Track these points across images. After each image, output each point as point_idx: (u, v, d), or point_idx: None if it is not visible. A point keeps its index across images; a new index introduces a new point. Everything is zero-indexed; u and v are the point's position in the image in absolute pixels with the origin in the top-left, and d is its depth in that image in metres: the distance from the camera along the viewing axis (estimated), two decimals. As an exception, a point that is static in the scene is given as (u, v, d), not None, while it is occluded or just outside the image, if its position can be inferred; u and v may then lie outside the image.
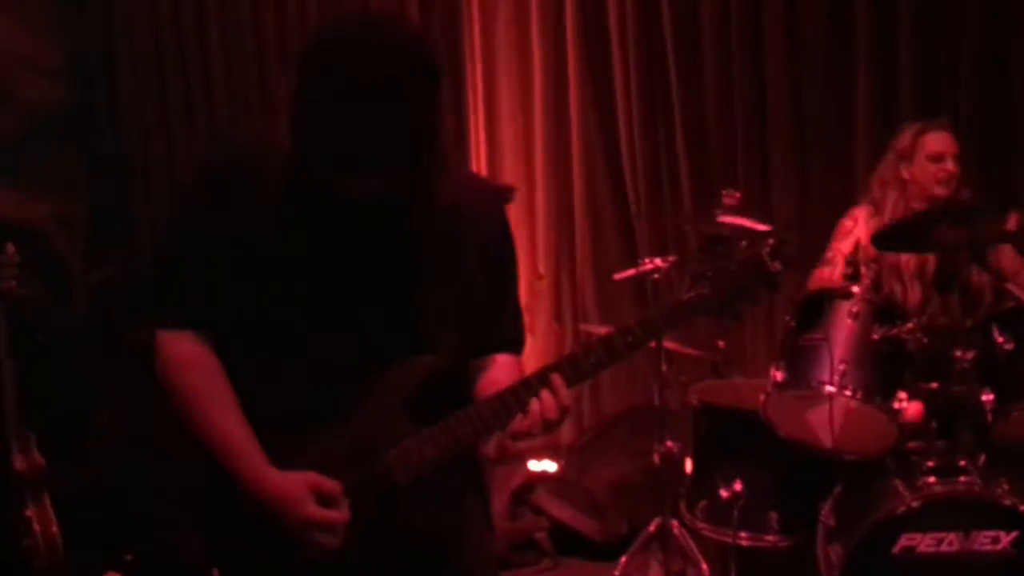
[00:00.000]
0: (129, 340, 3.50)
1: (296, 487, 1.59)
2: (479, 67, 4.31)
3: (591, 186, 4.21)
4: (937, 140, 3.19)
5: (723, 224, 2.73)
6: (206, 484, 1.68)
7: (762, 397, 2.93)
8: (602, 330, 3.65)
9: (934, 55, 3.70)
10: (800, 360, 2.86)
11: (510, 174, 4.33)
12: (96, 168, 4.62)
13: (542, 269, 4.39)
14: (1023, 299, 2.77)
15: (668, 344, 3.07)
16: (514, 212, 4.40)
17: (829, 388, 2.77)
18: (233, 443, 1.62)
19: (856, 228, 3.23)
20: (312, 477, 1.60)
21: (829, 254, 3.24)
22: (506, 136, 4.31)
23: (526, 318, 4.65)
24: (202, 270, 1.63)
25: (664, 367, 3.16)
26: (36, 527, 3.14)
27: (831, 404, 2.79)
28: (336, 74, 1.45)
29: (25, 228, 4.24)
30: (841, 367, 2.76)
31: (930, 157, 3.17)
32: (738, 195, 2.78)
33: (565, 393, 1.58)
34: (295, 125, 1.50)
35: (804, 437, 2.94)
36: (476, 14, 4.26)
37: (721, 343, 3.40)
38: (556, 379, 1.58)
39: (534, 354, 4.41)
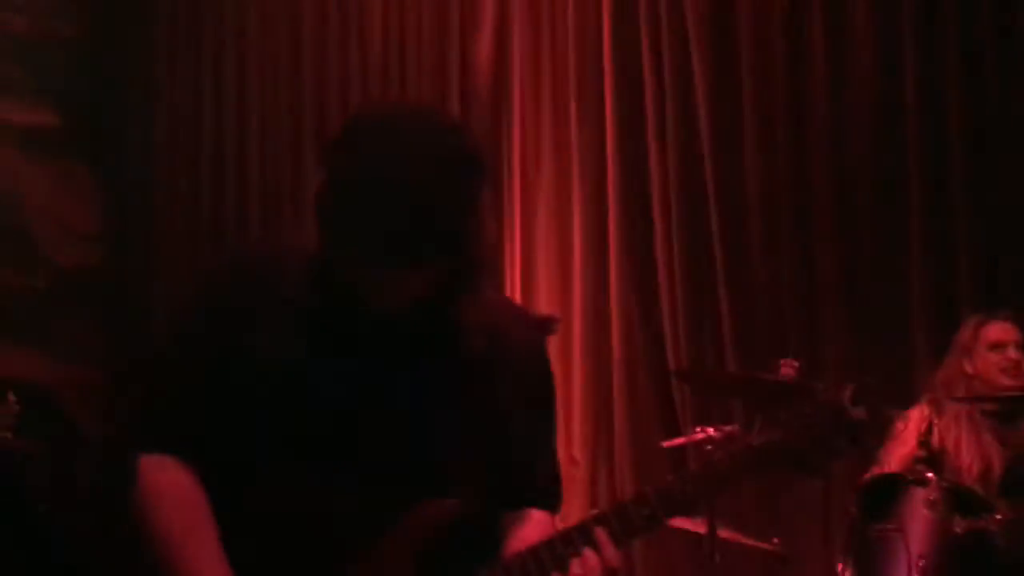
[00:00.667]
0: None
1: None
2: (518, 241, 4.20)
3: (631, 365, 3.98)
4: (998, 329, 3.08)
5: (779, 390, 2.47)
6: None
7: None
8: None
9: (991, 244, 3.53)
10: (871, 555, 2.52)
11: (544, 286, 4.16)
12: (122, 332, 4.53)
13: (577, 455, 4.09)
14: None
15: (721, 533, 2.74)
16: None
17: (907, 588, 2.41)
18: None
19: (905, 432, 2.97)
20: None
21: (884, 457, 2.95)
22: (541, 301, 4.15)
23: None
24: (194, 391, 1.42)
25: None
26: None
27: (910, 608, 2.42)
28: (370, 150, 1.29)
29: (39, 389, 4.12)
30: (920, 563, 2.42)
31: (990, 346, 3.05)
32: (797, 363, 2.53)
33: (612, 552, 1.32)
34: (321, 214, 1.31)
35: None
36: (517, 175, 4.19)
37: (776, 539, 3.06)
38: (600, 534, 1.33)
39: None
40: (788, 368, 2.56)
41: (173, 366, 1.46)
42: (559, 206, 4.15)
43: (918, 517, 2.52)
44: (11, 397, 3.00)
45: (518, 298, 4.10)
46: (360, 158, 1.28)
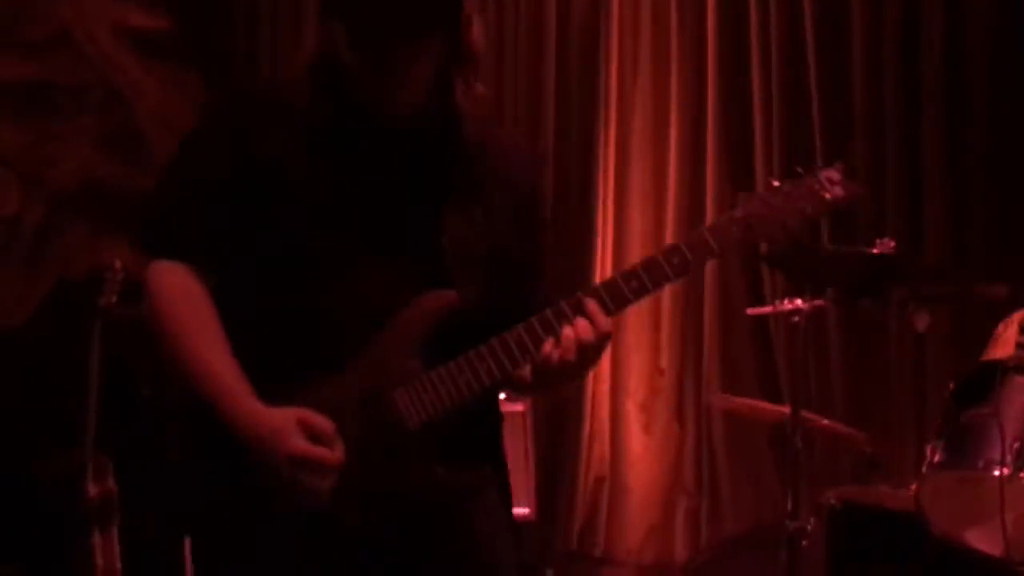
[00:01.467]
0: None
1: (283, 420, 1.41)
2: (612, 155, 4.17)
3: (724, 278, 3.92)
4: None
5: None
6: (185, 438, 1.50)
7: (914, 485, 2.52)
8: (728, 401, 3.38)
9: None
10: (963, 438, 2.46)
11: (636, 256, 4.10)
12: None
13: (664, 363, 4.07)
14: None
15: (808, 415, 2.70)
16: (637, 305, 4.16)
17: (1001, 470, 2.34)
18: (218, 377, 1.45)
19: (1006, 333, 2.86)
20: (301, 412, 1.42)
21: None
22: (635, 219, 4.11)
23: (643, 415, 4.31)
24: (207, 197, 1.50)
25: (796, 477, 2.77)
26: (99, 560, 2.94)
27: (1001, 490, 2.35)
28: None
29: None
30: (1015, 445, 2.34)
31: None
32: (892, 243, 2.47)
33: (603, 320, 1.43)
34: (332, 8, 1.43)
35: (966, 538, 2.48)
36: (613, 111, 4.15)
37: (866, 446, 3.00)
38: (591, 304, 1.42)
39: (650, 457, 4.06)
40: (884, 247, 2.50)
41: (186, 175, 1.53)
42: (656, 123, 4.11)
43: (1016, 402, 2.44)
44: (117, 264, 3.12)
45: (611, 213, 4.11)
46: None
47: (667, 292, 4.03)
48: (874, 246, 2.49)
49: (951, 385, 2.57)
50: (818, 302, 2.57)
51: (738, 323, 3.81)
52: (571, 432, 4.09)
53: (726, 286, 3.92)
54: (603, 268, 4.09)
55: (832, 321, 3.58)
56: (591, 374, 4.05)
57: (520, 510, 3.29)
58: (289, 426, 1.40)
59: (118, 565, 2.95)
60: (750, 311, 3.02)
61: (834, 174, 1.49)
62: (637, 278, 1.43)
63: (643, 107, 4.12)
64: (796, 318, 2.49)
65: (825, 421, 2.83)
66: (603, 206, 4.13)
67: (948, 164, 3.62)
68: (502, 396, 3.33)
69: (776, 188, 1.47)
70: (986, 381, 2.52)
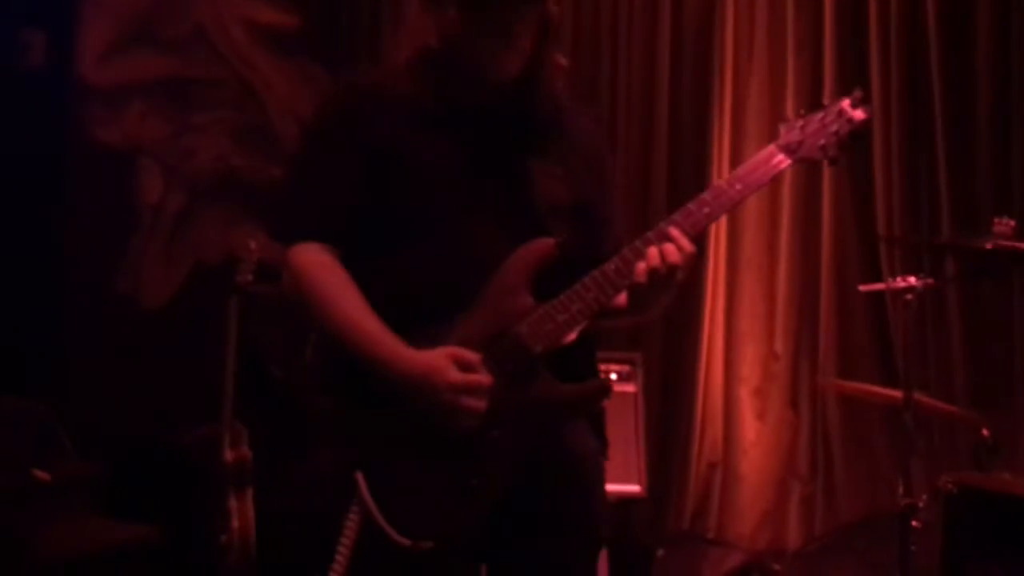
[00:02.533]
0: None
1: (437, 358, 1.62)
2: (727, 125, 4.17)
3: (841, 258, 3.89)
4: None
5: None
6: (342, 387, 1.68)
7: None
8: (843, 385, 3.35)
9: None
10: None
11: (751, 241, 4.10)
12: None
13: (779, 349, 4.06)
14: None
15: (920, 398, 2.67)
16: (753, 280, 4.14)
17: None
18: (365, 329, 1.64)
19: None
20: (450, 349, 1.63)
21: None
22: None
23: (757, 401, 4.30)
24: (332, 180, 1.70)
25: (912, 462, 2.74)
26: (235, 522, 3.13)
27: None
28: None
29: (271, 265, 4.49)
30: None
31: None
32: (1012, 223, 2.43)
33: (686, 242, 1.63)
34: None
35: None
36: (728, 84, 4.16)
37: (985, 431, 2.94)
38: (673, 230, 1.63)
39: (765, 442, 4.05)
40: (1002, 226, 2.46)
41: (309, 166, 1.74)
42: (772, 98, 4.09)
43: None
44: (252, 245, 3.30)
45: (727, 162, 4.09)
46: None
47: (782, 274, 4.02)
48: (992, 228, 2.45)
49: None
50: (931, 281, 2.55)
51: (855, 303, 3.78)
52: (684, 417, 4.12)
53: (842, 266, 3.88)
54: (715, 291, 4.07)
55: (952, 301, 3.53)
56: (703, 362, 4.08)
57: (631, 487, 3.34)
58: (444, 361, 1.61)
59: (252, 525, 3.13)
60: (863, 287, 3.00)
61: (855, 98, 1.68)
62: (706, 204, 1.65)
63: (756, 118, 4.11)
64: (909, 296, 2.48)
65: (941, 404, 2.79)
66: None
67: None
68: (613, 376, 3.45)
69: (809, 118, 1.67)
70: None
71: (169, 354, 3.88)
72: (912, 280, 2.52)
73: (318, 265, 1.69)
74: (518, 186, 1.69)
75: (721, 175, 4.09)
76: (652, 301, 1.70)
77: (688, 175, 4.16)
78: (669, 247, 1.61)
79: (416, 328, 1.64)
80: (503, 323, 1.64)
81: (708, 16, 4.17)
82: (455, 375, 1.61)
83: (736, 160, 4.10)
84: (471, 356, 1.63)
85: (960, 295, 3.45)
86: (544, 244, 1.65)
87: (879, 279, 3.52)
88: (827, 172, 3.91)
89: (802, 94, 3.99)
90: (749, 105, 4.11)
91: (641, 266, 1.61)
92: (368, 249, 1.69)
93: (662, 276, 1.61)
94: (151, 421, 3.74)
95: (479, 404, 1.61)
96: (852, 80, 3.88)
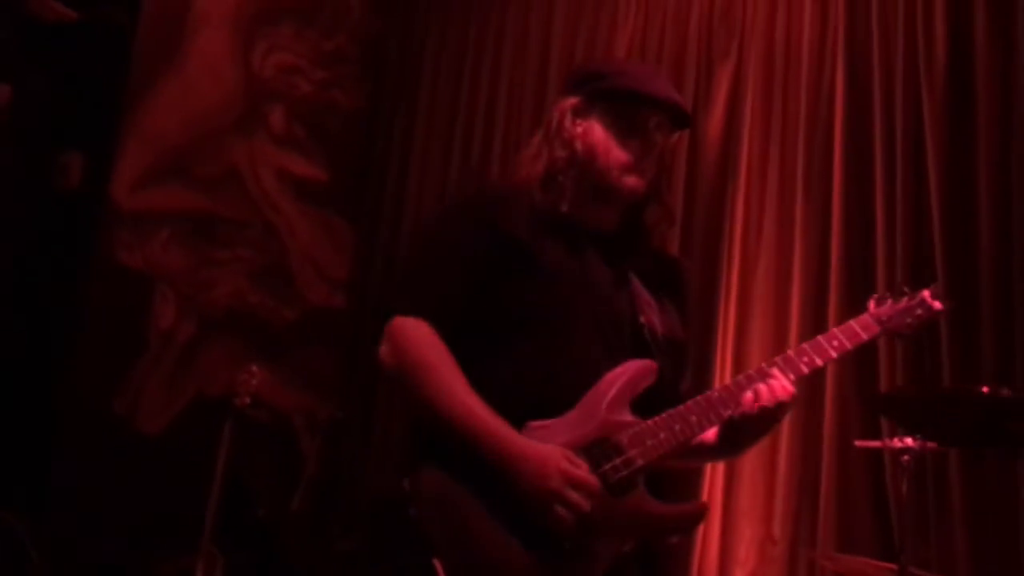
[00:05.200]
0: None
1: (551, 448, 1.62)
2: (732, 315, 4.23)
3: (843, 421, 3.84)
4: None
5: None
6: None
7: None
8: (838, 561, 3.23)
9: None
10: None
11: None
12: (354, 373, 4.88)
13: (776, 532, 3.94)
14: None
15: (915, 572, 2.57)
16: (753, 455, 4.07)
17: None
18: (476, 409, 1.63)
19: None
20: (564, 449, 1.63)
21: None
22: (755, 331, 4.11)
23: (753, 585, 4.13)
24: (459, 263, 1.73)
25: None
26: (198, 653, 3.00)
27: None
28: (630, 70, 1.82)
29: (280, 416, 4.49)
30: None
31: None
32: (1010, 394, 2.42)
33: (789, 383, 1.68)
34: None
35: None
36: (738, 244, 4.26)
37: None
38: (774, 370, 1.70)
39: (757, 629, 3.88)
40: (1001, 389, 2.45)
41: (432, 247, 1.79)
42: (778, 281, 4.17)
43: None
44: (254, 368, 3.32)
45: (730, 360, 4.12)
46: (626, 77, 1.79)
47: (783, 448, 3.96)
48: (991, 387, 2.45)
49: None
50: (931, 444, 2.52)
51: (855, 470, 3.69)
52: (675, 599, 3.97)
53: (844, 429, 3.82)
54: (723, 373, 4.07)
55: (954, 471, 3.45)
56: (698, 541, 3.97)
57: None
58: (559, 453, 1.62)
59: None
60: (859, 443, 2.96)
61: (935, 290, 1.84)
62: (806, 354, 1.72)
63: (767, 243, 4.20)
64: (906, 457, 2.44)
65: (940, 582, 2.69)
66: (724, 318, 4.16)
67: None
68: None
69: (898, 299, 1.83)
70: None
71: (159, 481, 3.83)
72: (909, 441, 2.49)
73: (428, 341, 1.68)
74: (625, 304, 1.75)
75: (727, 351, 4.13)
76: (745, 440, 1.73)
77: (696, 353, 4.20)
78: (776, 384, 1.66)
79: (518, 424, 1.64)
80: (604, 432, 1.65)
81: (720, 195, 4.32)
82: (568, 466, 1.60)
83: (741, 337, 4.15)
84: (582, 463, 1.63)
85: (962, 464, 3.39)
86: (649, 366, 1.70)
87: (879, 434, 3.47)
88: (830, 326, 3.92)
89: (809, 278, 4.07)
90: (755, 284, 4.18)
91: (749, 396, 1.65)
92: (471, 345, 1.70)
93: (769, 411, 1.65)
94: (130, 547, 3.65)
95: (584, 502, 1.59)
96: (858, 265, 3.98)
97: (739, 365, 4.06)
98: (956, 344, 3.65)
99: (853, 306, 3.89)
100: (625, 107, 1.75)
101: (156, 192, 4.17)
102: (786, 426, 3.98)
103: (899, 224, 3.93)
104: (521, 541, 1.58)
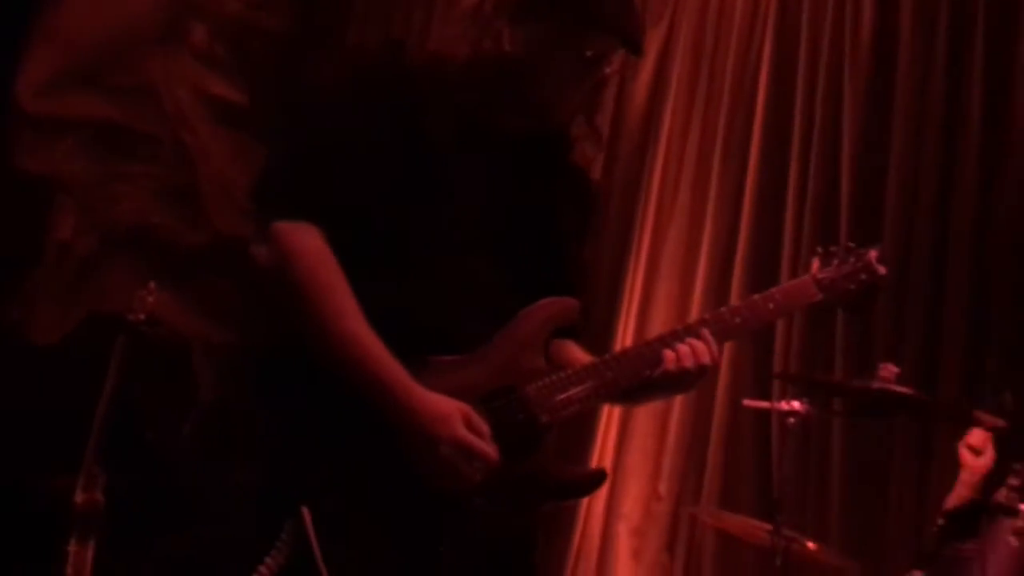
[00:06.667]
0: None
1: (449, 407, 1.47)
2: (640, 276, 4.28)
3: (732, 411, 3.95)
4: None
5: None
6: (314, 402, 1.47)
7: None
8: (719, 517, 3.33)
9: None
10: (945, 573, 2.45)
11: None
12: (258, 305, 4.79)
13: (662, 489, 4.05)
14: None
15: (794, 536, 2.68)
16: (646, 414, 4.17)
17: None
18: (370, 348, 1.45)
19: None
20: (464, 407, 1.48)
21: None
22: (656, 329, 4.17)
23: (634, 540, 4.26)
24: (352, 163, 1.50)
25: None
26: (69, 569, 2.94)
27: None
28: None
29: (177, 340, 4.38)
30: (997, 583, 2.33)
31: None
32: (896, 370, 2.52)
33: (716, 349, 1.58)
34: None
35: None
36: (652, 206, 4.30)
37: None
38: (705, 332, 1.58)
39: (637, 585, 3.99)
40: (887, 371, 2.55)
41: (336, 133, 1.52)
42: (688, 247, 4.24)
43: (1002, 544, 2.43)
44: (151, 285, 3.22)
45: (634, 320, 4.18)
46: None
47: (676, 408, 4.05)
48: (877, 372, 2.55)
49: (942, 519, 2.57)
50: (814, 409, 2.62)
51: (744, 442, 3.81)
52: (559, 546, 4.05)
53: (737, 402, 3.93)
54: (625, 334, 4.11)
55: (837, 440, 3.57)
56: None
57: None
58: (457, 415, 1.46)
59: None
60: (747, 402, 3.04)
61: (879, 252, 1.72)
62: (740, 314, 1.61)
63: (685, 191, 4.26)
64: (792, 419, 2.52)
65: (811, 545, 2.81)
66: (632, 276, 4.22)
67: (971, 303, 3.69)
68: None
69: (841, 259, 1.70)
70: (977, 518, 2.52)
71: (48, 393, 3.72)
72: (796, 405, 2.57)
73: (319, 253, 1.46)
74: (540, 238, 1.60)
75: (631, 312, 4.20)
76: (652, 397, 1.65)
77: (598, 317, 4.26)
78: (700, 347, 1.55)
79: (413, 359, 1.48)
80: (511, 378, 1.52)
81: (639, 158, 4.36)
82: (464, 432, 1.46)
83: (647, 300, 4.22)
84: (482, 424, 1.48)
85: (843, 435, 3.53)
86: (567, 305, 1.57)
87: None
88: (734, 290, 4.02)
89: (718, 246, 4.15)
90: (665, 248, 4.25)
91: (671, 355, 1.54)
92: (363, 261, 1.49)
93: (689, 373, 1.55)
94: (12, 462, 3.54)
95: (475, 474, 1.46)
96: (766, 238, 4.07)
97: (642, 326, 4.13)
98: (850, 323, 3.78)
99: (758, 277, 4.01)
100: (572, 22, 1.54)
101: (64, 97, 4.01)
102: (677, 410, 4.07)
103: (809, 202, 4.04)
104: (406, 498, 1.45)
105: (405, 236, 1.52)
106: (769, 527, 2.70)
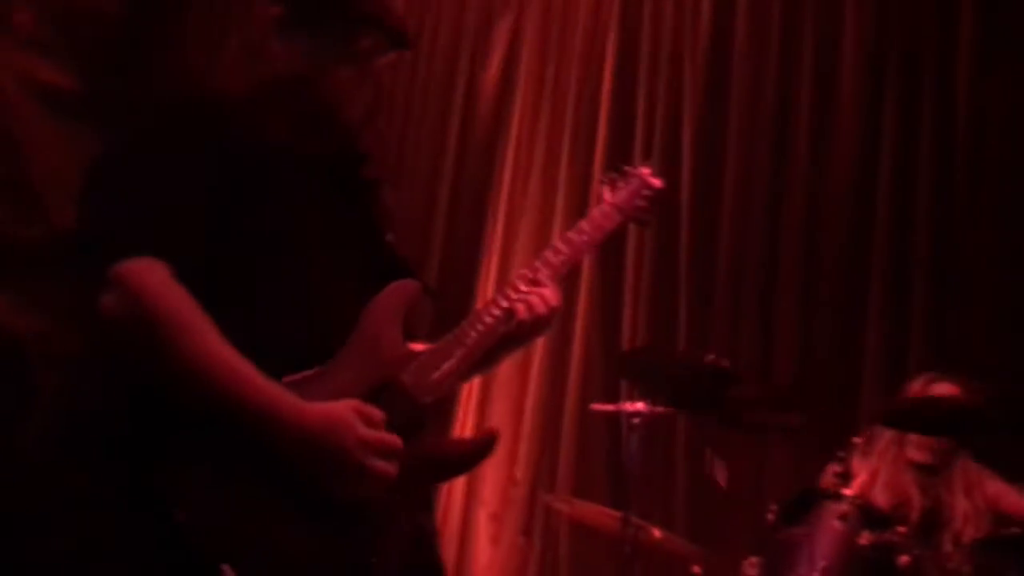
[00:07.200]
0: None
1: (341, 411, 1.40)
2: (493, 268, 4.35)
3: (588, 379, 4.09)
4: (945, 387, 3.14)
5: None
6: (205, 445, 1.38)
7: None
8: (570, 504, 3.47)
9: (947, 309, 3.72)
10: (778, 555, 2.62)
11: (503, 371, 4.24)
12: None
13: (519, 474, 4.16)
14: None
15: (641, 524, 2.81)
16: (503, 400, 4.24)
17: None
18: (241, 372, 1.37)
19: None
20: (355, 403, 1.42)
21: None
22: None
23: (493, 526, 4.37)
24: (183, 191, 1.44)
25: None
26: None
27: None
28: None
29: (9, 341, 4.18)
30: (822, 564, 2.51)
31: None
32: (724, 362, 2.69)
33: (557, 289, 1.67)
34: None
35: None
36: (504, 198, 4.36)
37: (696, 568, 3.11)
38: (542, 277, 1.66)
39: (497, 568, 4.09)
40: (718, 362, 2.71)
41: (152, 163, 1.46)
42: (539, 238, 4.32)
43: (828, 527, 2.62)
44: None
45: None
46: None
47: (531, 397, 4.17)
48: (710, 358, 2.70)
49: (774, 507, 2.74)
50: (661, 409, 2.75)
51: (596, 433, 3.96)
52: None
53: (589, 388, 4.07)
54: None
55: (680, 434, 3.77)
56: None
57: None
58: (351, 416, 1.40)
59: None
60: (594, 406, 3.17)
61: (652, 169, 1.87)
62: (561, 252, 1.70)
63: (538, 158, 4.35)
64: (636, 420, 2.65)
65: (657, 533, 2.95)
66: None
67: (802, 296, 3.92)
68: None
69: (622, 181, 1.83)
70: (806, 504, 2.70)
71: None
72: (640, 405, 2.70)
73: (170, 289, 1.37)
74: (367, 229, 1.62)
75: (493, 255, 4.31)
76: (508, 353, 1.69)
77: (461, 261, 4.30)
78: (545, 291, 1.64)
79: (280, 373, 1.41)
80: (382, 373, 1.49)
81: (491, 149, 4.41)
82: (366, 432, 1.39)
83: (506, 260, 4.31)
84: (376, 412, 1.42)
85: (688, 428, 3.72)
86: (410, 286, 1.57)
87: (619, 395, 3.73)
88: (582, 290, 4.16)
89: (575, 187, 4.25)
90: (518, 239, 4.33)
91: (522, 308, 1.61)
92: (207, 292, 1.41)
93: (542, 319, 1.63)
94: None
95: (391, 468, 1.40)
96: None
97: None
98: (692, 312, 3.97)
99: (604, 264, 4.15)
100: (340, 26, 1.55)
101: None
102: (535, 377, 4.18)
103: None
104: (319, 522, 1.38)
105: (246, 262, 1.47)
106: (619, 515, 2.82)
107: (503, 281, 4.25)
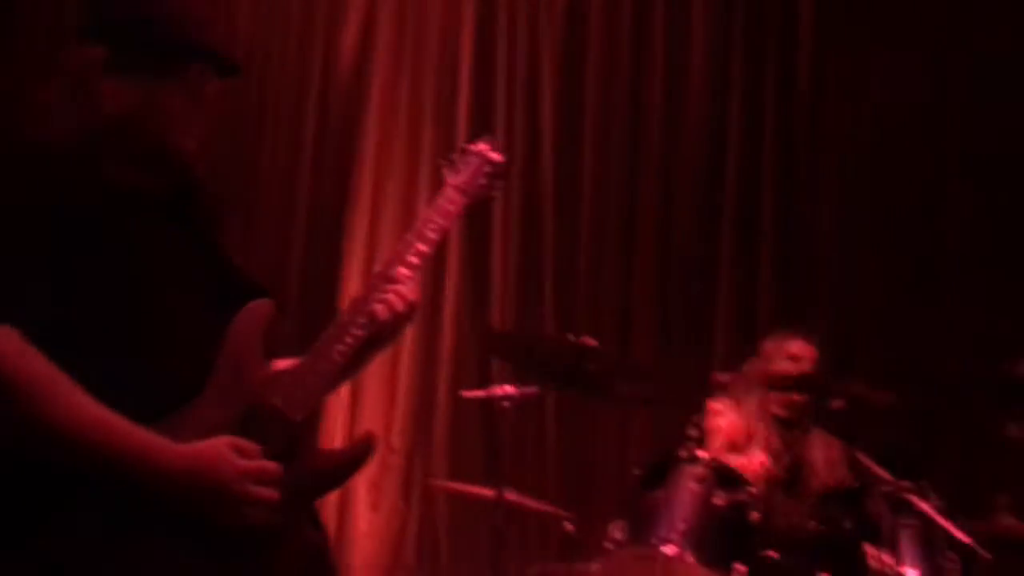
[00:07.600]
0: None
1: (214, 448, 1.43)
2: (358, 253, 4.36)
3: (460, 358, 4.19)
4: (800, 345, 3.35)
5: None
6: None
7: (597, 565, 2.82)
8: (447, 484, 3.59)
9: (793, 269, 3.98)
10: (641, 518, 2.79)
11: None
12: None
13: (396, 442, 4.25)
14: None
15: (514, 496, 2.95)
16: (377, 370, 4.30)
17: (667, 548, 2.68)
18: (109, 422, 1.39)
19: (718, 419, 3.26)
20: (227, 438, 1.45)
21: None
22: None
23: (370, 494, 4.47)
24: (25, 255, 1.43)
25: (503, 555, 3.01)
26: None
27: (666, 565, 2.69)
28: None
29: None
30: (681, 526, 2.69)
31: (791, 357, 3.32)
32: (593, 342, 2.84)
33: (415, 284, 1.66)
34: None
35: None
36: (368, 165, 4.35)
37: (569, 526, 3.28)
38: (399, 274, 1.65)
39: (376, 534, 4.18)
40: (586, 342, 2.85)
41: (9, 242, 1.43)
42: (406, 200, 4.36)
43: (686, 489, 2.79)
44: None
45: (357, 286, 4.28)
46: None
47: (404, 370, 4.25)
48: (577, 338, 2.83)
49: (638, 471, 2.91)
50: (530, 390, 2.88)
51: (469, 406, 4.08)
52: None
53: (460, 367, 4.19)
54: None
55: (549, 413, 3.97)
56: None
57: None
58: (225, 450, 1.43)
59: None
60: (465, 393, 3.27)
61: (490, 143, 1.86)
62: (412, 245, 1.69)
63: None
64: (507, 403, 2.77)
65: (531, 501, 3.09)
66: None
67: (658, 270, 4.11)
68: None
69: (462, 162, 1.82)
70: (665, 468, 2.87)
71: None
72: (509, 389, 2.81)
73: (21, 355, 1.37)
74: (212, 261, 1.61)
75: (352, 282, 4.30)
76: (375, 353, 1.69)
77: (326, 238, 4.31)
78: (401, 289, 1.63)
79: (148, 420, 1.42)
80: (250, 399, 1.51)
81: (351, 124, 4.40)
82: (242, 463, 1.43)
83: (375, 228, 4.33)
84: (250, 445, 1.46)
85: (557, 406, 3.91)
86: (263, 306, 1.58)
87: (490, 376, 3.86)
88: (451, 269, 4.23)
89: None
90: (384, 215, 4.37)
91: (381, 308, 1.60)
92: (56, 355, 1.40)
93: (402, 316, 1.63)
94: None
95: (273, 493, 1.44)
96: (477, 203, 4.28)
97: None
98: (557, 295, 4.12)
99: (472, 232, 4.23)
100: (166, 58, 1.54)
101: None
102: (405, 362, 4.25)
103: (517, 162, 4.27)
104: (214, 553, 1.42)
105: (99, 312, 1.46)
106: (491, 491, 2.95)
107: (369, 261, 4.29)
